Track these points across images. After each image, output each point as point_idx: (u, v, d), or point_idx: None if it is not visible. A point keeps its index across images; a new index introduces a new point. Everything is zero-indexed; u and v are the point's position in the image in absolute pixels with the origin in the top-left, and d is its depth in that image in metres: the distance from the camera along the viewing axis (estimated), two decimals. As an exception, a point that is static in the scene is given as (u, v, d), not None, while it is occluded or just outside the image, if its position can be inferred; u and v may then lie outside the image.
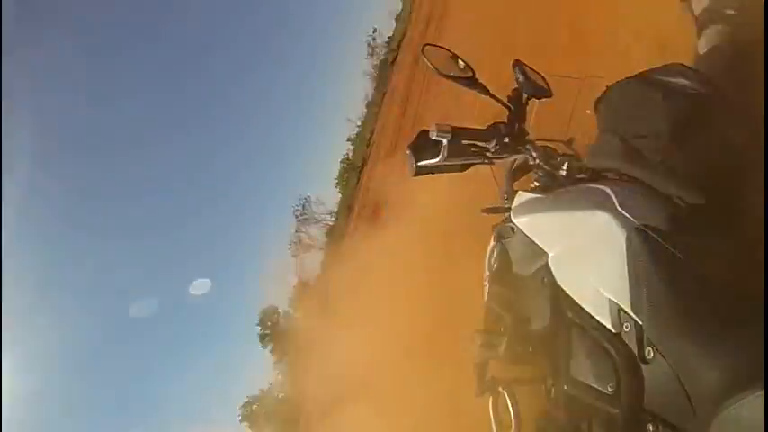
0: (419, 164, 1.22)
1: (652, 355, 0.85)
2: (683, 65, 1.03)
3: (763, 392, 0.62)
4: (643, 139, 0.99)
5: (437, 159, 1.18)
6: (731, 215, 1.00)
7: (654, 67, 1.09)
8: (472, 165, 1.29)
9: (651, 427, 0.83)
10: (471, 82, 1.25)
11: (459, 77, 1.24)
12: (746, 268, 0.85)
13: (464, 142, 1.21)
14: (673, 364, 0.79)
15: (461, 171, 1.31)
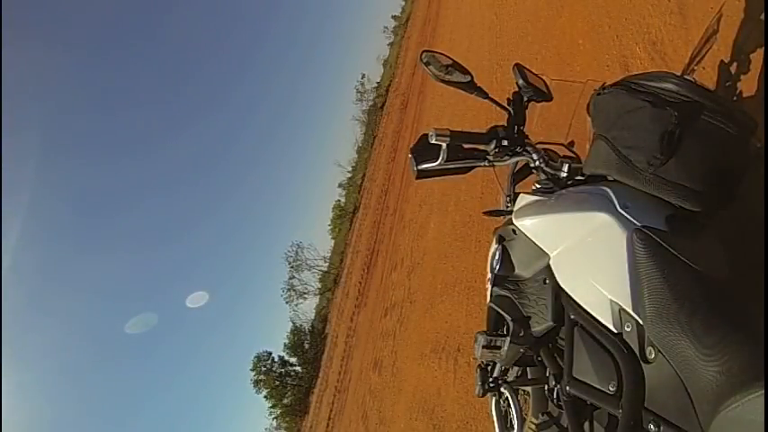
0: (420, 167, 1.23)
1: (653, 355, 0.86)
2: (671, 72, 1.03)
3: (763, 392, 0.62)
4: (634, 150, 0.99)
5: (437, 162, 1.19)
6: (729, 217, 1.00)
7: (643, 72, 1.10)
8: (474, 167, 1.30)
9: (653, 427, 0.84)
10: (470, 86, 1.25)
11: (458, 82, 1.25)
12: (746, 268, 0.85)
13: (464, 146, 1.22)
14: (674, 363, 0.80)
15: (464, 173, 1.31)
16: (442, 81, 1.24)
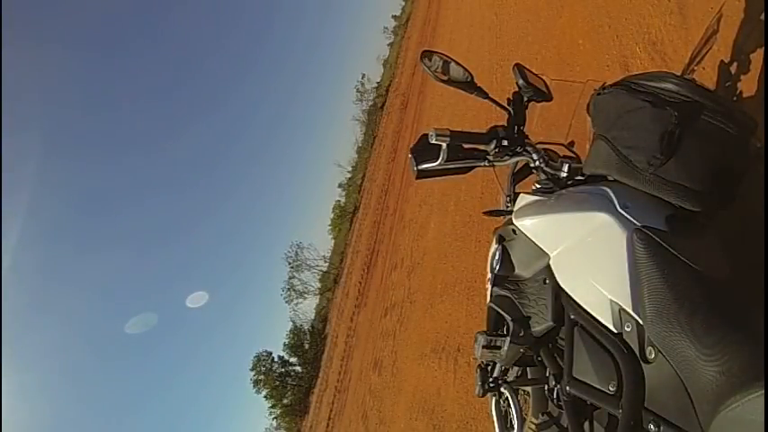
0: (420, 167, 1.23)
1: (653, 355, 0.86)
2: (671, 72, 1.03)
3: (763, 392, 0.62)
4: (634, 150, 1.00)
5: (437, 162, 1.19)
6: (729, 217, 1.00)
7: (643, 72, 1.10)
8: (474, 167, 1.30)
9: (653, 427, 0.84)
10: (470, 86, 1.25)
11: (458, 82, 1.25)
12: (746, 268, 0.85)
13: (464, 146, 1.22)
14: (674, 363, 0.80)
15: (464, 173, 1.31)
16: (443, 81, 1.24)
